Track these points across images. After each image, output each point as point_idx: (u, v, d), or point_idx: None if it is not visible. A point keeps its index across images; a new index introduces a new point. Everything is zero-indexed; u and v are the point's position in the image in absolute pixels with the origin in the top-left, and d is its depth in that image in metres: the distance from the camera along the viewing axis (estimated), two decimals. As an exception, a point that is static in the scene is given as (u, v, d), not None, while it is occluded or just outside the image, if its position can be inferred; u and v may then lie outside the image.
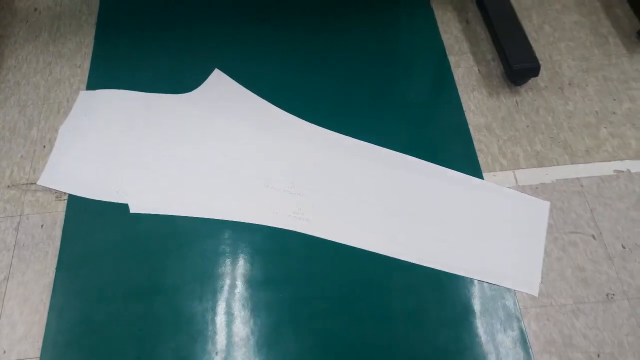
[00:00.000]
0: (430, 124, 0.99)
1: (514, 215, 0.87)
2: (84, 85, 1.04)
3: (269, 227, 0.85)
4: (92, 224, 0.85)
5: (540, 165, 0.94)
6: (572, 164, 0.94)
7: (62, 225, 0.85)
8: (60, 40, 1.11)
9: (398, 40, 1.12)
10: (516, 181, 0.92)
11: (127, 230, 0.85)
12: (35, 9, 1.16)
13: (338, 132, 0.96)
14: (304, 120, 0.98)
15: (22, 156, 0.94)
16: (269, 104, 1.00)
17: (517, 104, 1.02)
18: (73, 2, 1.17)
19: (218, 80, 1.03)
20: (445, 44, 1.11)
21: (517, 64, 0.99)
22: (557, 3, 1.18)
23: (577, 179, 0.92)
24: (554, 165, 0.94)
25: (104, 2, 1.17)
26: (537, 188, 0.91)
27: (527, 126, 0.99)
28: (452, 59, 1.09)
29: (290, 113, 0.98)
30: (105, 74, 1.05)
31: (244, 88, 1.02)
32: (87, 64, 1.07)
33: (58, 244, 0.84)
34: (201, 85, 1.02)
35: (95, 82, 1.04)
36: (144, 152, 0.92)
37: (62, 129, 0.95)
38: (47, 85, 1.03)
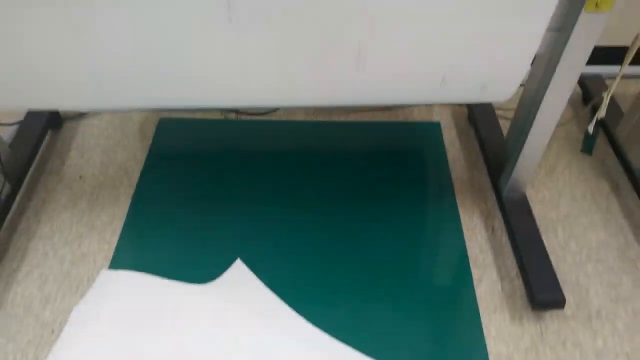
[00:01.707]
0: (448, 351, 0.95)
1: None
2: (107, 263, 1.06)
3: None
4: None
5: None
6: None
7: None
8: (96, 210, 1.16)
9: (422, 245, 1.12)
10: None
11: None
12: (81, 177, 1.24)
13: (352, 345, 0.93)
14: (317, 329, 0.95)
15: (29, 341, 0.93)
16: (286, 306, 0.99)
17: (542, 334, 0.97)
18: (116, 172, 1.25)
19: (238, 274, 1.04)
20: (469, 253, 1.11)
21: (540, 295, 0.97)
22: (584, 218, 1.18)
23: None
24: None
25: (143, 176, 1.24)
26: None
27: (553, 363, 0.93)
28: (475, 272, 1.07)
29: (306, 313, 0.97)
30: (131, 252, 1.07)
31: (262, 285, 1.02)
32: (115, 240, 1.10)
33: None
34: (221, 277, 1.03)
35: (120, 260, 1.06)
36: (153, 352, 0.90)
37: (72, 316, 0.95)
38: (72, 259, 1.06)
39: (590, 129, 0.91)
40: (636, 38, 0.83)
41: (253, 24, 0.68)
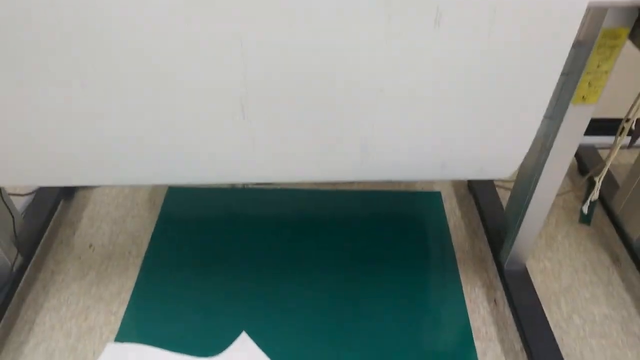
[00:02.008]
0: None
1: None
2: (113, 335, 1.06)
3: None
4: None
5: None
6: None
7: None
8: (104, 281, 1.17)
9: (425, 316, 1.13)
10: None
11: None
12: (90, 245, 1.26)
13: None
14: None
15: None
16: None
17: (549, 413, 0.97)
18: (125, 241, 1.28)
19: (244, 347, 1.04)
20: (472, 325, 1.11)
21: (546, 374, 0.97)
22: (586, 290, 1.19)
23: None
24: None
25: (151, 246, 1.26)
26: None
27: None
28: (478, 346, 1.07)
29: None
30: (137, 324, 1.08)
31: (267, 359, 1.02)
32: (122, 311, 1.11)
33: None
34: (226, 350, 1.03)
35: (126, 332, 1.07)
36: None
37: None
38: (78, 333, 1.07)
39: (585, 209, 0.95)
40: (629, 112, 0.88)
41: (264, 122, 0.73)
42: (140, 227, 1.32)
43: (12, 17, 0.62)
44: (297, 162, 0.79)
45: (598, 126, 1.23)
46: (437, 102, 0.73)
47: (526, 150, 0.81)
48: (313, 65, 0.68)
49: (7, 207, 1.09)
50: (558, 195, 1.42)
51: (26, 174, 0.83)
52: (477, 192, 1.37)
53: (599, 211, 1.37)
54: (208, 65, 0.67)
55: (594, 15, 0.74)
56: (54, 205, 1.30)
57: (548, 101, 0.75)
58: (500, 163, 0.83)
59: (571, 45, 0.67)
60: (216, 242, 1.28)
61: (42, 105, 0.71)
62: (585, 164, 1.48)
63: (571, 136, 0.90)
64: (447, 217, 1.38)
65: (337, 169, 0.81)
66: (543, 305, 1.09)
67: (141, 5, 0.61)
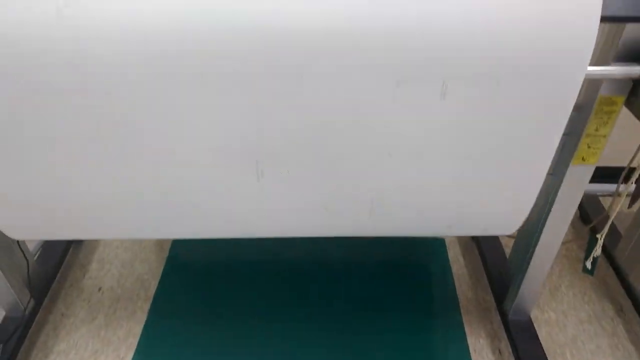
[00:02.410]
0: None
1: None
2: (121, 382, 1.07)
3: None
4: None
5: None
6: None
7: None
8: (113, 325, 1.19)
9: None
10: None
11: None
12: (100, 289, 1.28)
13: None
14: None
15: None
16: None
17: None
18: (133, 284, 1.29)
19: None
20: (478, 380, 1.12)
21: None
22: (591, 342, 1.20)
23: None
24: None
25: (159, 290, 1.28)
26: None
27: None
28: (485, 400, 1.08)
29: None
30: (144, 370, 1.09)
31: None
32: (129, 356, 1.12)
33: None
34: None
35: (133, 379, 1.07)
36: None
37: None
38: (87, 379, 1.08)
39: (588, 264, 0.97)
40: (631, 161, 0.91)
41: (277, 181, 0.77)
42: (148, 271, 1.34)
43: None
44: (306, 219, 0.83)
45: (599, 174, 1.27)
46: (443, 165, 0.76)
47: (529, 209, 0.84)
48: (326, 129, 0.72)
49: (22, 252, 1.11)
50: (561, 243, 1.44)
51: (38, 230, 0.86)
52: (481, 239, 1.39)
53: (602, 260, 1.38)
54: (225, 127, 0.71)
55: (591, 83, 0.79)
56: (66, 247, 1.32)
57: (549, 164, 0.79)
58: (503, 221, 0.86)
59: (570, 111, 0.71)
60: (223, 287, 1.30)
61: (57, 163, 0.75)
62: (586, 211, 1.50)
63: (573, 193, 0.93)
64: (451, 264, 1.40)
65: (345, 225, 0.84)
66: (548, 357, 1.09)
67: (168, 82, 0.66)
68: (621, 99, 0.78)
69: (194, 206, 0.81)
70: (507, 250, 1.29)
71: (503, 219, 0.85)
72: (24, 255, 1.13)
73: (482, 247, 1.37)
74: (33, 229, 0.83)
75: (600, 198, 1.54)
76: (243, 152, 0.73)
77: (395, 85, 0.66)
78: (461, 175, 0.77)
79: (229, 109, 0.69)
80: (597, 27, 0.62)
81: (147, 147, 0.74)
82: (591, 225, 1.34)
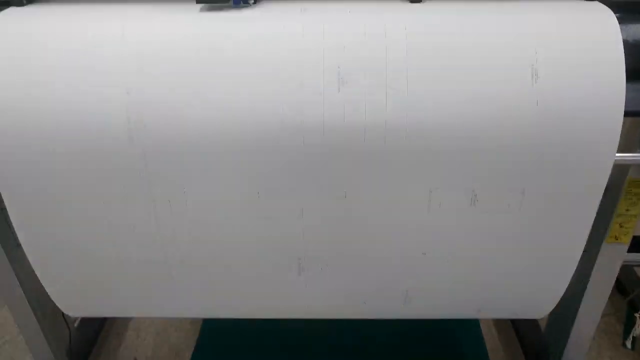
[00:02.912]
0: None
1: None
2: None
3: None
4: None
5: None
6: None
7: None
8: (146, 395, 1.19)
9: None
10: None
11: None
12: (135, 359, 1.30)
13: None
14: None
15: None
16: None
17: None
18: (168, 354, 1.31)
19: None
20: None
21: None
22: None
23: None
24: None
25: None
26: None
27: None
28: None
29: None
30: None
31: None
32: None
33: None
34: None
35: None
36: None
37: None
38: None
39: (628, 344, 0.96)
40: None
41: (318, 277, 0.82)
42: (183, 340, 1.36)
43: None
44: (343, 306, 0.87)
45: (632, 242, 1.26)
46: (474, 260, 0.80)
47: (561, 294, 0.86)
48: (365, 233, 0.78)
49: (65, 322, 1.15)
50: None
51: (95, 308, 0.91)
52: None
53: (642, 335, 1.34)
54: (273, 229, 0.77)
55: (619, 167, 0.82)
56: (104, 317, 1.36)
57: (581, 252, 0.81)
58: (535, 306, 0.87)
59: (600, 199, 0.74)
60: (255, 358, 1.30)
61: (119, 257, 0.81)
62: (622, 283, 1.48)
63: (608, 270, 0.93)
64: (484, 337, 1.37)
65: (379, 310, 0.88)
66: None
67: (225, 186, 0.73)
68: (649, 181, 0.81)
69: (240, 294, 0.85)
70: (542, 322, 1.27)
71: (534, 303, 0.86)
72: (67, 325, 1.16)
73: (517, 321, 1.35)
74: (91, 307, 0.88)
75: (635, 268, 1.51)
76: (286, 249, 0.79)
77: (428, 196, 0.71)
78: (493, 267, 0.80)
79: (278, 215, 0.76)
80: (621, 122, 0.66)
81: (201, 243, 0.80)
82: (629, 298, 1.32)
